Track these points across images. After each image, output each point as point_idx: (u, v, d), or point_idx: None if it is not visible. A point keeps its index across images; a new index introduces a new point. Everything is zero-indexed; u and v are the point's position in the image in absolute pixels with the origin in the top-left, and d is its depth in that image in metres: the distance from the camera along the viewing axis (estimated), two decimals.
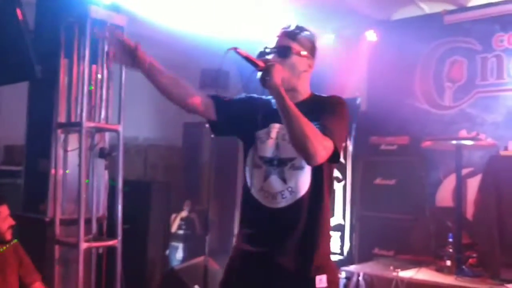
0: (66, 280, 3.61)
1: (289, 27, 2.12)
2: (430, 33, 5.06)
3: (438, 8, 5.00)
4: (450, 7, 4.94)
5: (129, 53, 1.98)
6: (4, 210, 3.04)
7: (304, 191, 2.02)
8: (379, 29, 5.35)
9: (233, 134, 2.25)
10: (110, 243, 3.61)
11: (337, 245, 4.86)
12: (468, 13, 4.87)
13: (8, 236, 3.04)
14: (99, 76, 3.71)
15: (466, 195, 4.44)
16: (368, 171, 5.01)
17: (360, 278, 3.87)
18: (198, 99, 2.11)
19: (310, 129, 1.85)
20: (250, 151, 2.13)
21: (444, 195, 4.71)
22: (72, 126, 3.56)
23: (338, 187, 4.94)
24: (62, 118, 3.63)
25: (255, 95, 2.20)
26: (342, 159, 4.90)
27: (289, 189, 2.02)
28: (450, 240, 3.93)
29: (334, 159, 1.94)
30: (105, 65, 3.69)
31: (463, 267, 3.82)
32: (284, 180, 2.03)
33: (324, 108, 2.01)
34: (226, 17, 4.84)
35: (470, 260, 3.97)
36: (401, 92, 5.13)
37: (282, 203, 2.02)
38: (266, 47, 2.08)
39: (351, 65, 5.42)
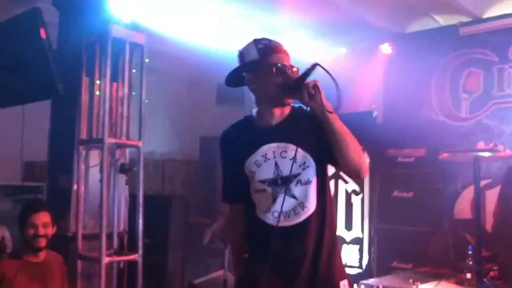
0: None
1: (277, 43, 2.10)
2: (445, 45, 5.08)
3: (453, 20, 5.01)
4: (465, 19, 4.95)
5: None
6: (38, 218, 3.05)
7: (315, 204, 2.05)
8: (394, 42, 5.38)
9: None
10: (131, 257, 3.65)
11: (356, 258, 4.85)
12: (484, 25, 4.88)
13: (37, 244, 3.03)
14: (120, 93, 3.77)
15: (484, 207, 4.42)
16: (385, 183, 5.00)
17: None
18: (242, 229, 2.20)
19: (359, 147, 1.93)
20: (250, 179, 2.10)
21: (463, 207, 4.69)
22: (94, 142, 3.63)
23: (355, 200, 4.94)
24: (83, 135, 3.69)
25: (221, 139, 2.19)
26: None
27: (301, 204, 2.03)
28: (470, 252, 3.91)
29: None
30: (126, 83, 3.75)
31: (484, 280, 3.80)
32: (294, 197, 2.04)
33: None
34: (241, 32, 4.90)
35: (491, 273, 3.94)
36: (417, 104, 5.14)
37: (297, 219, 2.03)
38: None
39: (366, 79, 5.44)
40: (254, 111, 2.13)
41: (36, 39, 3.55)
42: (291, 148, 2.02)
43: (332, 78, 1.90)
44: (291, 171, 2.02)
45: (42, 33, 3.54)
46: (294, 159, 2.01)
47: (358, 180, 2.03)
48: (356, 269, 4.80)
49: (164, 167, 6.63)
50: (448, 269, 4.23)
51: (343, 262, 2.21)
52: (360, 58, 5.53)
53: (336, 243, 2.13)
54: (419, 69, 5.12)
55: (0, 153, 4.78)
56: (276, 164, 2.04)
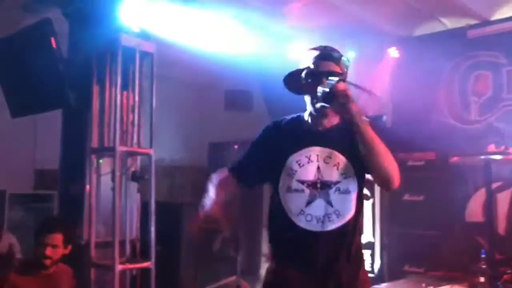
0: None
1: (331, 50, 2.14)
2: (453, 48, 5.07)
3: (460, 23, 5.01)
4: (473, 21, 4.95)
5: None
6: (55, 238, 3.09)
7: (351, 215, 2.07)
8: (401, 46, 5.37)
9: (265, 179, 2.26)
10: (144, 264, 3.66)
11: (368, 263, 4.84)
12: (492, 27, 4.87)
13: (47, 263, 3.08)
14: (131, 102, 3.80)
15: (496, 209, 4.40)
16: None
17: None
18: (232, 189, 2.20)
19: (392, 158, 1.96)
20: (282, 176, 2.13)
21: (474, 210, 4.67)
22: (106, 150, 3.65)
23: (366, 204, 4.93)
24: (95, 143, 3.72)
25: (270, 125, 2.23)
26: (369, 176, 4.92)
27: (336, 212, 2.06)
28: (483, 256, 3.89)
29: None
30: (136, 91, 3.77)
31: (498, 283, 3.78)
32: (330, 203, 2.06)
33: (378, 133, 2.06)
34: (249, 39, 4.92)
35: (505, 276, 3.91)
36: (426, 108, 5.13)
37: (330, 226, 2.05)
38: (331, 74, 2.06)
39: (375, 83, 5.44)
40: (307, 112, 2.17)
41: (47, 49, 3.59)
42: (336, 155, 2.06)
43: (361, 88, 1.98)
44: (331, 177, 2.06)
45: (53, 43, 3.58)
46: (337, 166, 2.05)
47: (390, 190, 2.02)
48: (368, 273, 4.79)
49: (174, 174, 6.65)
50: (460, 273, 4.21)
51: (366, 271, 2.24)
52: (368, 62, 5.52)
53: (362, 253, 2.19)
54: (427, 73, 5.12)
55: (13, 161, 4.81)
56: (318, 168, 2.07)
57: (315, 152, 2.08)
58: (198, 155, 6.92)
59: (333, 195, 2.06)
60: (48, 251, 3.06)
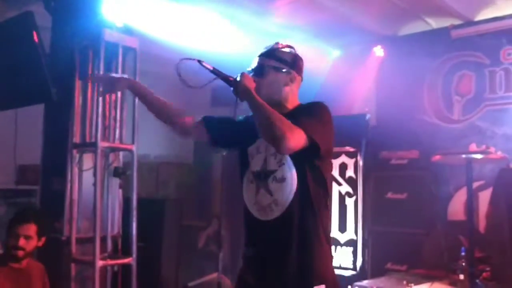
0: None
1: (269, 46, 2.19)
2: (437, 48, 5.10)
3: (445, 23, 5.04)
4: (457, 21, 4.98)
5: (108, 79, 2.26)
6: (28, 229, 3.02)
7: (288, 202, 2.04)
8: (386, 45, 5.40)
9: (230, 147, 2.37)
10: (125, 261, 3.65)
11: (350, 260, 4.86)
12: (475, 27, 4.91)
13: (19, 254, 3.00)
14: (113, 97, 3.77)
15: (478, 208, 4.44)
16: (379, 185, 5.02)
17: None
18: (189, 119, 2.25)
19: (277, 117, 1.91)
20: (244, 168, 2.19)
21: (456, 209, 4.71)
22: (87, 146, 3.63)
23: (349, 202, 4.96)
24: (77, 139, 3.69)
25: (242, 117, 2.26)
26: (352, 174, 4.95)
27: (275, 201, 2.06)
28: (463, 253, 3.93)
29: (313, 150, 1.97)
30: None
31: (477, 281, 3.81)
32: (270, 193, 2.07)
33: (302, 112, 2.07)
34: (234, 36, 4.92)
35: (484, 274, 3.95)
36: (410, 107, 5.15)
37: (272, 215, 2.06)
38: (247, 69, 2.15)
39: (359, 81, 5.46)
40: None
41: (29, 43, 3.55)
42: None
43: (219, 75, 2.02)
44: (268, 166, 2.09)
45: (35, 36, 3.54)
46: (275, 155, 2.07)
47: (281, 151, 1.97)
48: (350, 271, 4.81)
49: (158, 171, 6.62)
50: (441, 271, 4.25)
51: (330, 266, 2.12)
52: (353, 60, 5.55)
53: (319, 244, 2.06)
54: (411, 72, 5.15)
55: None
56: (265, 158, 2.11)
57: (264, 144, 2.11)
58: (183, 152, 6.90)
59: (271, 184, 2.07)
60: (21, 241, 2.98)
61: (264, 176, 2.09)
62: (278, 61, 2.15)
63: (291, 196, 2.04)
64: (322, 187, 2.09)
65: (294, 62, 2.18)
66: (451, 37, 5.00)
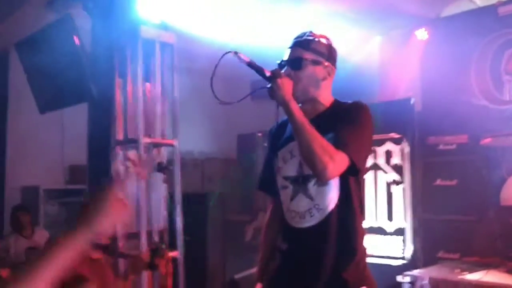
0: None
1: (302, 36, 2.05)
2: (484, 26, 4.88)
3: (491, 0, 4.83)
4: None
5: None
6: None
7: (332, 207, 1.94)
8: (430, 27, 5.22)
9: None
10: (172, 254, 3.69)
11: (399, 249, 4.74)
12: None
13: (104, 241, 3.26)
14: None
15: None
16: (427, 172, 4.88)
17: (425, 282, 3.76)
18: (274, 211, 2.20)
19: (318, 144, 1.79)
20: (275, 173, 2.10)
21: (509, 193, 4.50)
22: (130, 142, 3.68)
23: (396, 190, 4.83)
24: (120, 136, 3.75)
25: (271, 128, 2.20)
26: (399, 161, 4.81)
27: (316, 206, 1.95)
28: None
29: (352, 172, 1.87)
30: (157, 83, 3.79)
31: None
32: (310, 198, 1.97)
33: (343, 118, 1.93)
34: (274, 27, 4.87)
35: None
36: (457, 90, 4.96)
37: (311, 221, 1.96)
38: (282, 60, 2.04)
39: (403, 66, 5.31)
40: None
41: (70, 46, 3.66)
42: None
43: (255, 69, 1.89)
44: (305, 171, 1.96)
45: (76, 40, 3.63)
46: None
47: (321, 179, 1.85)
48: (399, 260, 4.69)
49: (203, 166, 6.69)
50: (496, 258, 4.08)
51: (367, 269, 2.03)
52: (395, 45, 5.41)
53: (358, 248, 1.99)
54: (457, 53, 4.95)
55: (44, 157, 4.93)
56: (300, 162, 1.98)
57: (297, 146, 1.96)
58: (227, 147, 6.94)
59: (313, 188, 1.96)
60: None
61: (303, 181, 1.98)
62: (316, 54, 2.02)
63: (334, 201, 1.95)
64: (358, 191, 2.01)
65: (330, 54, 2.06)
66: (498, 14, 4.78)
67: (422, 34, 5.25)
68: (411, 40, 5.30)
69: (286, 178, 2.04)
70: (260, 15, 4.83)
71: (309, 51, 2.01)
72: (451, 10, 5.15)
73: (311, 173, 1.92)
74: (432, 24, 5.23)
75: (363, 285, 1.94)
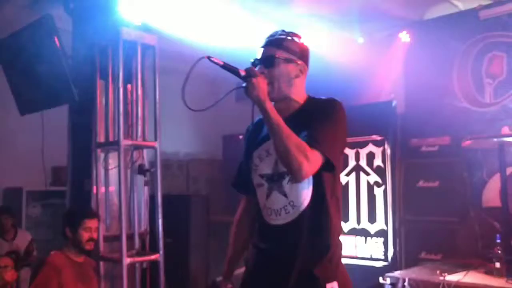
0: None
1: (274, 34, 2.07)
2: (465, 30, 4.93)
3: (472, 4, 4.87)
4: (486, 1, 4.80)
5: None
6: (93, 223, 3.37)
7: (306, 204, 1.96)
8: (412, 30, 5.26)
9: None
10: (153, 257, 3.67)
11: (381, 251, 4.76)
12: (504, 7, 4.70)
13: (88, 247, 3.33)
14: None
15: None
16: (409, 174, 4.92)
17: (406, 283, 3.79)
18: (246, 208, 2.24)
19: (293, 143, 1.80)
20: (252, 172, 2.11)
21: (490, 195, 4.55)
22: (111, 145, 3.66)
23: (378, 192, 4.86)
24: (101, 138, 3.73)
25: (248, 127, 2.21)
26: (381, 163, 4.84)
27: (291, 203, 1.97)
28: (498, 241, 3.79)
29: (327, 168, 1.90)
30: (139, 85, 3.77)
31: None
32: (285, 195, 1.98)
33: (316, 116, 1.95)
34: (256, 29, 4.88)
35: None
36: (439, 92, 5.00)
37: (287, 218, 1.98)
38: (255, 59, 2.05)
39: (385, 68, 5.34)
40: None
41: (50, 47, 3.63)
42: None
43: (229, 70, 1.90)
44: (281, 168, 1.98)
45: (56, 41, 3.60)
46: None
47: (297, 179, 1.87)
48: (381, 261, 4.72)
49: (188, 167, 6.67)
50: (476, 259, 4.12)
51: (340, 265, 2.05)
52: (378, 47, 5.43)
53: (331, 245, 2.00)
54: (439, 56, 4.99)
55: (26, 159, 4.88)
56: (276, 160, 1.99)
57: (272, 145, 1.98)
58: (212, 148, 6.93)
59: (287, 185, 1.97)
60: (94, 234, 3.32)
61: (278, 178, 2.00)
62: (288, 52, 2.03)
63: (308, 197, 1.96)
64: (333, 188, 2.02)
65: (302, 52, 2.08)
66: (480, 18, 4.82)
67: (404, 36, 5.28)
68: (393, 43, 5.33)
69: (262, 176, 2.06)
70: (242, 17, 4.83)
71: (281, 49, 2.03)
72: (433, 13, 5.19)
73: (286, 170, 1.94)
74: (415, 27, 5.27)
75: (335, 280, 1.95)
